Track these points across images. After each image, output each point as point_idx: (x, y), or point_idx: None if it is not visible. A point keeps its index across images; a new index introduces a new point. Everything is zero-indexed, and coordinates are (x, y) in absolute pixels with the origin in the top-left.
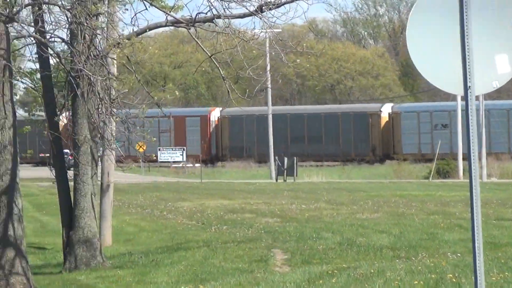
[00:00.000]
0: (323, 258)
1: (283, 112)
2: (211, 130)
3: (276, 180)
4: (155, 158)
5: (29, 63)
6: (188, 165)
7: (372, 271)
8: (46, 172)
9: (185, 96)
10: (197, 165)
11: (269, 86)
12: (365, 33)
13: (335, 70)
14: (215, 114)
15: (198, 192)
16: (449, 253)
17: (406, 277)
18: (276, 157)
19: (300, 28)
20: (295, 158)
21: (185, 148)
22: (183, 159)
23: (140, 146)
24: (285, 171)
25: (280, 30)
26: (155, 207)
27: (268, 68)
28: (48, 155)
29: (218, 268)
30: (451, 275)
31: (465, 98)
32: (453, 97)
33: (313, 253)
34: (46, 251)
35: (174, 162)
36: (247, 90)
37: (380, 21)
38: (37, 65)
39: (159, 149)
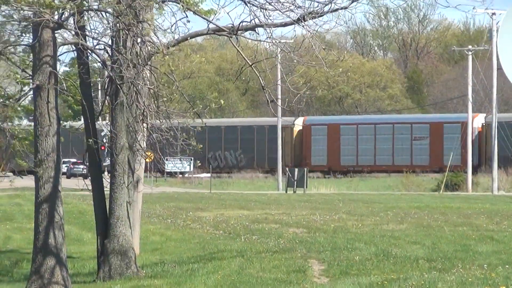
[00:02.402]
0: (361, 269)
1: None
2: (473, 138)
3: (286, 191)
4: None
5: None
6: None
7: (422, 282)
8: (65, 182)
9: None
10: (203, 175)
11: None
12: (375, 44)
13: (344, 82)
14: (478, 120)
15: (213, 202)
16: (484, 265)
17: None
18: (287, 168)
19: (310, 39)
20: (305, 169)
21: (192, 158)
22: (190, 169)
23: (148, 156)
24: (295, 182)
25: (292, 41)
26: (177, 217)
27: (279, 79)
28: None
29: (257, 278)
30: (504, 287)
31: None
32: (462, 110)
33: (350, 264)
34: (74, 259)
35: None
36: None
37: (390, 33)
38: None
39: (166, 159)
